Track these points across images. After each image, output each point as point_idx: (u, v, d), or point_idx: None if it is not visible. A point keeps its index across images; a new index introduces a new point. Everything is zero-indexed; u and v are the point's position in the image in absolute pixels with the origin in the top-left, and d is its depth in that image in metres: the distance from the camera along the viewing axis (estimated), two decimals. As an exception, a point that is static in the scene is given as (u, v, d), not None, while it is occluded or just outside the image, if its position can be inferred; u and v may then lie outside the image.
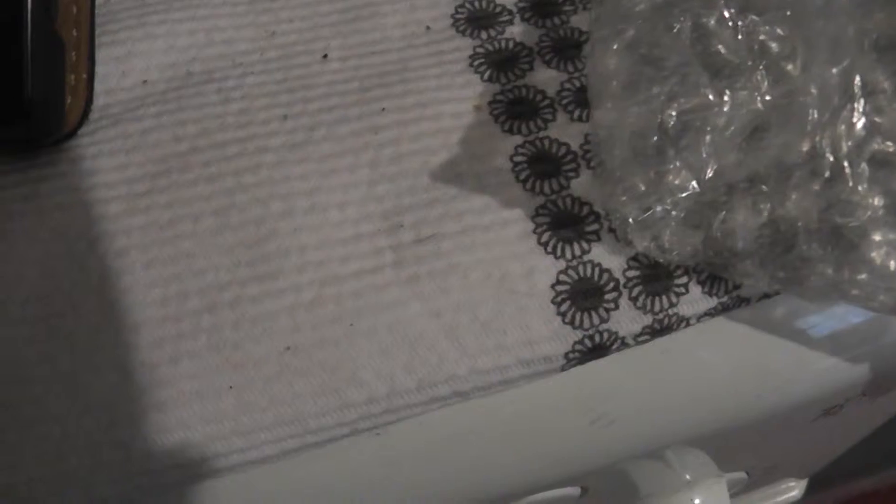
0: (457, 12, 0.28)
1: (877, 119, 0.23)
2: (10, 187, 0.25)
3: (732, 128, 0.23)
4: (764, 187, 0.23)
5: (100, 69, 0.27)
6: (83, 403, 0.23)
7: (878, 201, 0.23)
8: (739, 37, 0.23)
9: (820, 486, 0.51)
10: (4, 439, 0.22)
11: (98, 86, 0.27)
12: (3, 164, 0.25)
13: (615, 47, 0.22)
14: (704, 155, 0.22)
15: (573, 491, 0.30)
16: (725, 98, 0.22)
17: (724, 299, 0.25)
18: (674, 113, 0.21)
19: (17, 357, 0.23)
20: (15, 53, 0.24)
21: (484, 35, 0.27)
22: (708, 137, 0.22)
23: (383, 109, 0.26)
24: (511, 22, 0.28)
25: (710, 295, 0.24)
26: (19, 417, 0.23)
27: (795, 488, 0.44)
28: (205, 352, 0.23)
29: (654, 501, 0.34)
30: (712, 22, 0.23)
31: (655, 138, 0.21)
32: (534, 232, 0.24)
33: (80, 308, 0.24)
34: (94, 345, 0.23)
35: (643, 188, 0.22)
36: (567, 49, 0.27)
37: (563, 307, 0.24)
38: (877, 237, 0.23)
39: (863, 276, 0.23)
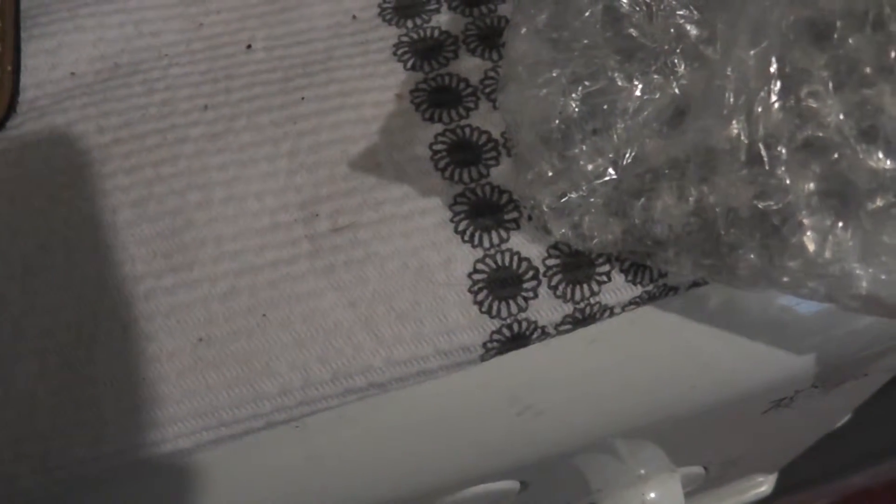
0: (384, 1, 0.28)
1: (812, 104, 0.23)
2: (-67, 180, 0.25)
3: (646, 112, 0.22)
4: (687, 172, 0.23)
5: (29, 62, 0.27)
6: (3, 394, 0.23)
7: (809, 186, 0.23)
8: (655, 20, 0.23)
9: (801, 483, 0.51)
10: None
11: (27, 79, 0.27)
12: (-73, 157, 0.25)
13: (524, 31, 0.22)
14: (617, 140, 0.22)
15: (511, 485, 0.30)
16: (636, 82, 0.22)
17: (650, 288, 0.24)
18: (576, 96, 0.21)
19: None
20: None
21: (410, 24, 0.27)
22: (619, 123, 0.22)
23: (303, 98, 0.26)
24: (438, 10, 0.27)
25: (635, 283, 0.24)
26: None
27: (764, 483, 0.43)
28: (119, 345, 0.23)
29: (606, 496, 0.34)
30: (625, 4, 0.22)
31: (557, 122, 0.21)
32: (451, 220, 0.24)
33: (3, 298, 0.24)
34: (16, 336, 0.23)
35: (551, 174, 0.22)
36: (492, 37, 0.27)
37: (481, 296, 0.24)
38: (806, 222, 0.22)
39: (792, 262, 0.22)
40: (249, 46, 0.27)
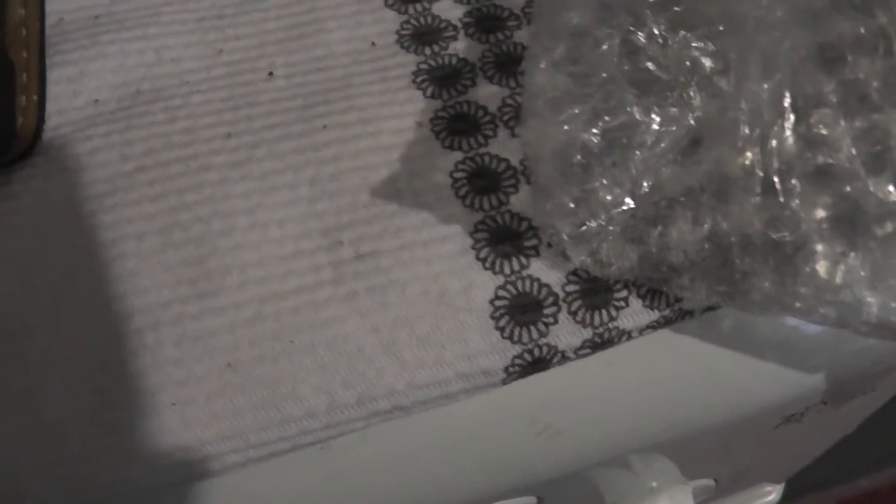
0: (402, 28, 0.28)
1: (821, 131, 0.23)
2: (-40, 209, 0.25)
3: (663, 144, 0.23)
4: (702, 200, 0.23)
5: (52, 89, 0.27)
6: (32, 424, 0.23)
7: (819, 213, 0.23)
8: (670, 53, 0.23)
9: (808, 487, 0.51)
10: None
11: (50, 106, 0.27)
12: (-45, 185, 0.26)
13: (542, 65, 0.22)
14: (635, 171, 0.23)
15: (528, 501, 0.30)
16: (654, 115, 0.22)
17: (666, 312, 0.25)
18: (596, 131, 0.21)
19: (-36, 377, 0.23)
20: (-36, 77, 0.24)
21: (428, 51, 0.28)
22: (637, 154, 0.22)
23: (325, 126, 0.26)
24: (455, 37, 0.28)
25: (652, 308, 0.25)
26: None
27: (772, 492, 0.44)
28: (148, 370, 0.24)
29: (619, 508, 0.34)
30: (642, 38, 0.23)
31: (579, 157, 0.21)
32: (472, 248, 0.25)
33: (30, 329, 0.24)
34: (45, 365, 0.24)
35: (572, 205, 0.22)
36: (509, 64, 0.27)
37: (502, 322, 0.24)
38: (818, 248, 0.23)
39: (804, 289, 0.23)
40: (270, 74, 0.27)
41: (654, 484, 0.35)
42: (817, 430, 0.36)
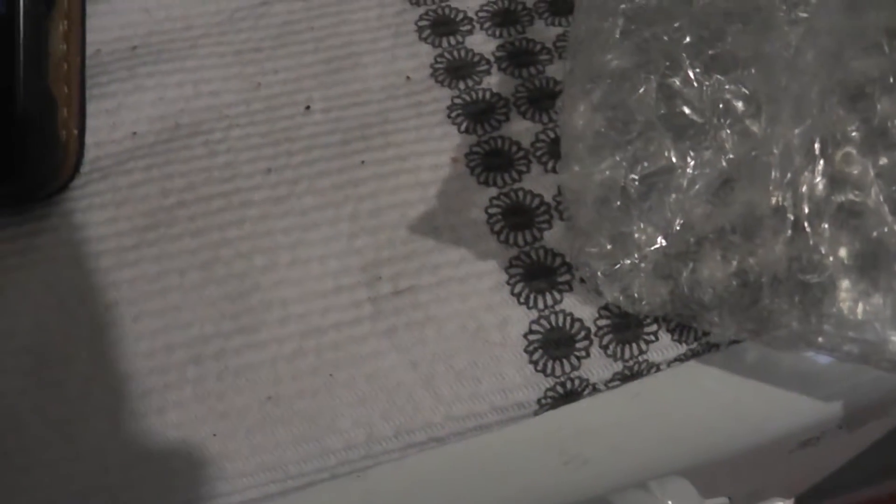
0: (436, 62, 0.29)
1: (847, 170, 0.24)
2: (3, 241, 0.26)
3: (697, 186, 0.23)
4: (732, 240, 0.24)
5: (90, 122, 0.28)
6: (74, 451, 0.24)
7: (843, 252, 0.24)
8: (704, 96, 0.24)
9: (816, 497, 0.52)
10: (1, 485, 0.23)
11: (89, 138, 0.28)
12: (-2, 218, 0.26)
13: (582, 108, 0.23)
14: (669, 214, 0.23)
15: (552, 524, 0.31)
16: (689, 159, 0.23)
17: (694, 346, 0.25)
18: (636, 177, 0.22)
19: (10, 407, 0.24)
20: (8, 111, 0.25)
21: (462, 85, 0.28)
22: (672, 196, 0.23)
23: (363, 162, 0.27)
24: (488, 72, 0.28)
25: (680, 342, 0.25)
26: (13, 465, 0.24)
27: (782, 507, 0.45)
28: (190, 402, 0.24)
29: (636, 527, 0.35)
30: (677, 82, 0.23)
31: (619, 202, 0.22)
32: (507, 283, 0.25)
33: (71, 359, 0.25)
34: (85, 395, 0.24)
35: (609, 247, 0.23)
36: (542, 100, 0.28)
37: (536, 356, 0.25)
38: (843, 286, 0.24)
39: (829, 326, 0.24)
40: (308, 108, 0.28)
41: (670, 502, 0.35)
42: (832, 451, 0.37)
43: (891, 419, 0.36)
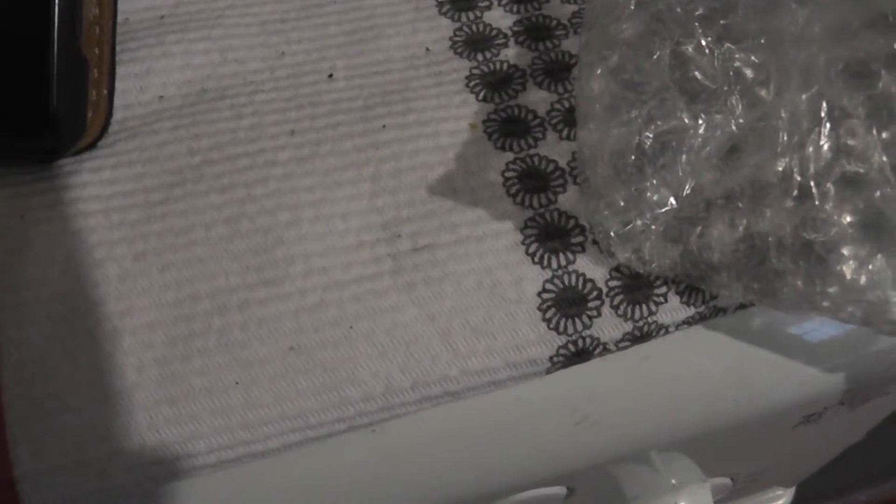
0: (455, 35, 0.30)
1: (850, 142, 0.25)
2: (35, 195, 0.27)
3: (708, 148, 0.24)
4: (740, 204, 0.25)
5: (119, 85, 0.29)
6: (101, 396, 0.24)
7: (847, 218, 0.25)
8: (716, 63, 0.25)
9: (811, 499, 0.53)
10: (29, 430, 0.24)
11: (117, 101, 0.29)
12: (29, 173, 0.27)
13: (599, 72, 0.24)
14: (681, 173, 0.24)
15: (559, 490, 0.32)
16: (700, 121, 0.24)
17: (702, 309, 0.26)
18: (650, 135, 0.23)
19: (40, 354, 0.25)
20: (42, 70, 0.26)
21: (480, 57, 0.29)
22: (684, 157, 0.24)
23: (384, 126, 0.28)
24: (506, 45, 0.29)
25: (689, 305, 0.26)
26: (42, 410, 0.24)
27: (783, 496, 0.45)
28: (214, 350, 0.25)
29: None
30: (690, 49, 0.24)
31: (634, 157, 0.23)
32: (522, 243, 0.26)
33: (99, 308, 0.25)
34: (113, 342, 0.25)
35: (623, 204, 0.24)
36: (558, 71, 0.29)
37: (549, 314, 0.25)
38: (846, 251, 0.24)
39: (833, 288, 0.24)
40: (331, 76, 0.29)
41: (674, 481, 0.36)
42: (832, 432, 0.38)
43: (888, 402, 0.37)
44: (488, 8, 0.30)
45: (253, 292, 0.25)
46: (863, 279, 0.24)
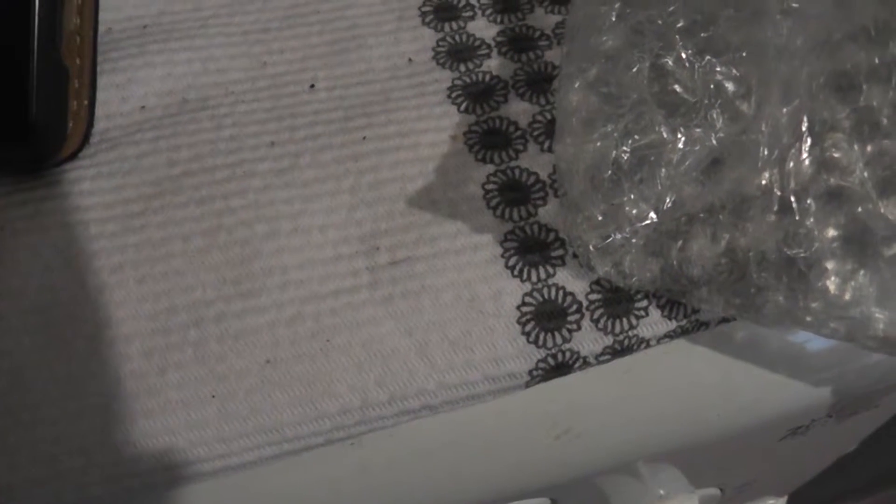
0: (438, 45, 0.30)
1: (835, 154, 0.25)
2: (14, 206, 0.27)
3: (687, 163, 0.24)
4: (721, 217, 0.25)
5: (100, 95, 0.29)
6: (77, 408, 0.24)
7: (830, 233, 0.24)
8: (696, 77, 0.24)
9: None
10: (4, 442, 0.24)
11: (98, 110, 0.28)
12: (9, 184, 0.27)
13: (577, 85, 0.24)
14: (660, 187, 0.24)
15: (543, 502, 0.32)
16: (679, 135, 0.24)
17: (683, 322, 0.26)
18: (627, 149, 0.23)
19: (16, 365, 0.25)
20: (22, 80, 0.26)
21: (462, 68, 0.29)
22: (663, 171, 0.24)
23: (364, 138, 0.27)
24: (489, 56, 0.29)
25: (670, 318, 0.26)
26: (18, 422, 0.24)
27: (774, 505, 0.45)
28: (191, 363, 0.25)
29: (628, 514, 0.35)
30: (670, 62, 0.24)
31: (610, 172, 0.23)
32: (502, 256, 0.26)
33: (77, 319, 0.25)
34: (90, 354, 0.25)
35: (601, 218, 0.23)
36: (540, 82, 0.28)
37: (528, 327, 0.25)
38: (829, 267, 0.24)
39: (815, 304, 0.24)
40: (313, 86, 0.28)
41: (662, 492, 0.36)
42: (820, 444, 0.37)
43: (878, 414, 0.37)
44: (472, 18, 0.30)
45: (230, 305, 0.25)
46: (846, 295, 0.24)
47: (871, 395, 0.32)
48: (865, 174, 0.24)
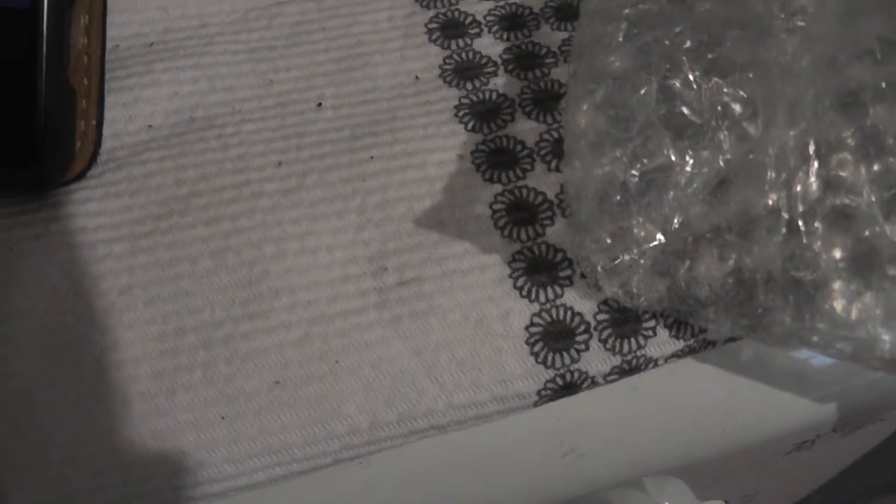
0: (445, 63, 0.30)
1: (841, 174, 0.25)
2: (21, 227, 0.27)
3: (695, 185, 0.24)
4: (728, 238, 0.25)
5: (107, 114, 0.29)
6: (87, 430, 0.24)
7: (837, 253, 0.24)
8: (703, 98, 0.24)
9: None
10: (14, 464, 0.24)
11: (105, 130, 0.28)
12: (16, 204, 0.27)
13: (585, 107, 0.24)
14: (668, 209, 0.24)
15: (549, 518, 0.32)
16: (688, 158, 0.24)
17: (691, 342, 0.26)
18: (636, 173, 0.23)
19: (24, 387, 0.25)
20: (29, 101, 0.26)
21: (469, 86, 0.29)
22: (671, 193, 0.24)
23: (371, 157, 0.27)
24: (495, 73, 0.29)
25: (677, 338, 0.26)
26: (28, 443, 0.24)
27: (777, 515, 0.45)
28: (200, 385, 0.25)
29: (632, 527, 0.35)
30: (677, 84, 0.24)
31: (619, 196, 0.23)
32: (510, 276, 0.26)
33: (85, 341, 0.25)
34: (98, 376, 0.25)
35: (609, 241, 0.23)
36: (547, 101, 0.28)
37: (537, 347, 0.25)
38: (836, 286, 0.24)
39: (822, 325, 0.24)
40: (320, 104, 0.28)
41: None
42: (825, 457, 0.37)
43: (882, 428, 0.37)
44: (478, 35, 0.30)
45: (238, 326, 0.25)
46: (852, 316, 0.24)
47: (876, 410, 0.32)
48: (872, 197, 0.24)
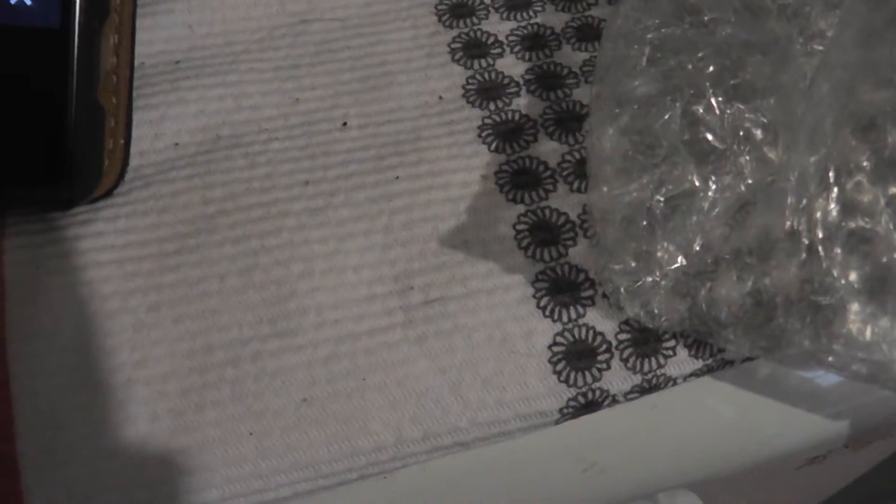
0: (468, 83, 0.30)
1: (858, 197, 0.25)
2: (49, 244, 0.27)
3: (717, 209, 0.25)
4: (748, 260, 0.25)
5: (134, 132, 0.29)
6: (113, 447, 0.25)
7: (855, 277, 0.25)
8: (725, 124, 0.25)
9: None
10: (40, 480, 0.24)
11: (132, 147, 0.29)
12: (44, 222, 0.27)
13: (610, 132, 0.24)
14: (690, 233, 0.24)
15: (566, 531, 0.32)
16: (711, 183, 0.24)
17: (710, 361, 0.26)
18: (661, 199, 0.23)
19: (51, 404, 0.25)
20: (59, 120, 0.26)
21: (492, 106, 0.29)
22: (694, 218, 0.24)
23: (397, 177, 0.28)
24: (518, 94, 0.30)
25: (697, 357, 0.26)
26: (54, 460, 0.24)
27: (784, 525, 0.46)
28: (228, 401, 0.25)
29: (645, 539, 0.36)
30: (700, 109, 0.25)
31: (645, 222, 0.23)
32: (533, 296, 0.26)
33: (113, 358, 0.26)
34: (126, 393, 0.25)
35: (633, 264, 0.24)
36: (569, 122, 0.29)
37: (559, 366, 0.26)
38: (853, 309, 0.25)
39: (838, 346, 0.25)
40: (345, 124, 0.29)
41: (678, 516, 0.36)
42: (836, 470, 0.38)
43: (893, 442, 0.38)
44: (500, 55, 0.31)
45: (266, 344, 0.26)
46: (868, 338, 0.25)
47: (887, 426, 0.32)
48: (891, 225, 0.25)
